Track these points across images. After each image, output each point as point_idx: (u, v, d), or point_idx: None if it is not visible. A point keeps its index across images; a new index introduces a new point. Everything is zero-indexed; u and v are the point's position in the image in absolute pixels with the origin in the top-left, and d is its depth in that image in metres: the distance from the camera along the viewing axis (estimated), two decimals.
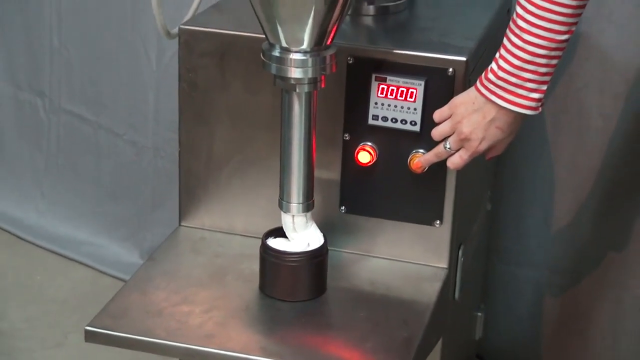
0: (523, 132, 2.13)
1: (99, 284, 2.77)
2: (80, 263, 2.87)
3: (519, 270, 2.33)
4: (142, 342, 1.52)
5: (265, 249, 1.61)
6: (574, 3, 1.39)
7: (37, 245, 2.94)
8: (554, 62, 1.45)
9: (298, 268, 1.60)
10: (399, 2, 1.84)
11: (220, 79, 1.71)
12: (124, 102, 2.74)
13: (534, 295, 2.34)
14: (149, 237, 2.79)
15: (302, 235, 1.62)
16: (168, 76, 2.62)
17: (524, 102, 1.47)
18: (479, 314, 2.21)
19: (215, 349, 1.49)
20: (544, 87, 1.47)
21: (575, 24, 1.42)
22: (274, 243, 1.62)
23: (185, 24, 1.73)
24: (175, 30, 1.74)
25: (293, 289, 1.61)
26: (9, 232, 3.00)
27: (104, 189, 2.86)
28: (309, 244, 1.61)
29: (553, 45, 1.42)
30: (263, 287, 1.63)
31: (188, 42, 1.71)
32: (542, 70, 1.44)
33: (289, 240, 1.62)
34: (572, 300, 2.30)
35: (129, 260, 2.81)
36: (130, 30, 2.65)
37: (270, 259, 1.60)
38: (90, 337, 1.54)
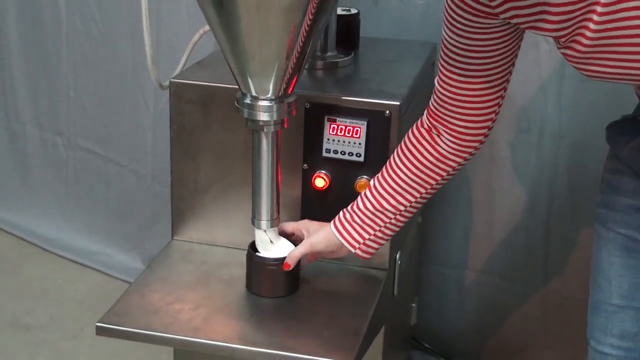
0: None
1: (110, 286, 2.73)
2: (94, 269, 2.84)
3: (444, 270, 2.33)
4: (142, 335, 1.51)
5: (252, 257, 1.60)
6: None
7: (58, 255, 2.91)
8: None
9: (278, 271, 1.58)
10: (345, 58, 1.84)
11: (203, 121, 1.69)
12: (128, 140, 2.72)
13: (457, 289, 2.33)
14: (149, 248, 2.76)
15: (277, 246, 1.60)
16: (163, 119, 2.59)
17: None
18: (414, 305, 2.21)
19: (202, 339, 1.48)
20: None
21: None
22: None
23: (174, 77, 1.72)
24: (166, 83, 1.72)
25: (274, 287, 1.60)
26: (36, 245, 2.97)
27: (112, 209, 2.84)
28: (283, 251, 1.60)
29: None
30: (249, 286, 1.62)
31: (177, 92, 1.70)
32: None
33: (269, 250, 1.61)
34: (487, 293, 2.30)
35: (134, 267, 2.78)
36: (132, 82, 2.63)
37: (255, 264, 1.60)
38: (100, 331, 1.53)
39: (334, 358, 1.43)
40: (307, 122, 1.64)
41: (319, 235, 1.57)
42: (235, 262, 1.71)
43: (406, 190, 1.49)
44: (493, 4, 1.24)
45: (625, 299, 1.44)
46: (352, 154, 1.62)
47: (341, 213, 1.55)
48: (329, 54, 1.83)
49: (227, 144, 1.70)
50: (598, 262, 1.48)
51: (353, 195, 1.61)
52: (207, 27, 1.88)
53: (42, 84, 2.87)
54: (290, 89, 1.50)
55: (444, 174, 1.47)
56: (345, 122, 1.62)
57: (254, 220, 1.59)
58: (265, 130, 1.51)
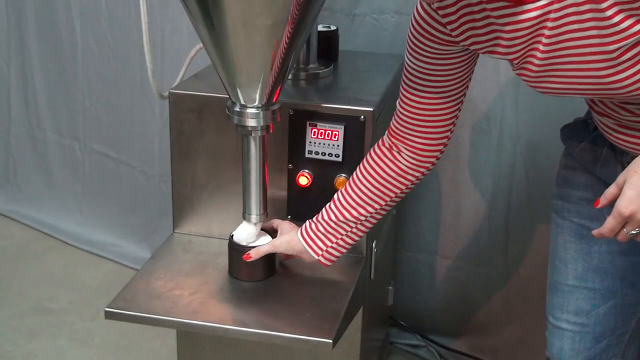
0: None
1: (123, 274, 2.71)
2: (108, 259, 2.82)
3: (417, 255, 2.31)
4: (146, 318, 1.50)
5: (232, 245, 1.58)
6: None
7: (77, 247, 2.89)
8: None
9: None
10: (326, 69, 1.82)
11: (199, 127, 1.68)
12: (137, 144, 2.70)
13: (428, 273, 2.32)
14: (157, 239, 2.74)
15: (258, 238, 1.59)
16: (167, 126, 2.58)
17: None
18: (390, 287, 2.19)
19: (199, 321, 1.46)
20: None
21: None
22: (238, 237, 1.59)
23: (173, 89, 1.70)
24: (166, 93, 1.70)
25: (252, 272, 1.58)
26: (56, 239, 2.95)
27: (124, 205, 2.82)
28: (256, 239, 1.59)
29: None
30: (231, 272, 1.60)
31: (176, 101, 1.68)
32: None
33: (250, 241, 1.59)
34: (455, 275, 2.29)
35: (144, 256, 2.75)
36: (140, 93, 2.62)
37: (235, 251, 1.58)
38: (109, 315, 1.51)
39: (316, 336, 1.42)
40: (291, 126, 1.62)
41: (283, 239, 1.55)
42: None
43: (367, 203, 1.46)
44: (454, 33, 1.23)
45: (579, 280, 1.43)
46: (332, 155, 1.60)
47: (307, 222, 1.53)
48: (311, 65, 1.81)
49: (220, 147, 1.68)
50: (555, 248, 1.47)
51: (333, 191, 1.60)
52: (201, 44, 1.87)
53: (60, 95, 2.86)
54: (275, 97, 1.48)
55: (402, 187, 1.45)
56: (325, 126, 1.60)
57: (245, 214, 1.57)
58: (253, 134, 1.49)
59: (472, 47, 1.25)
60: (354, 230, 1.49)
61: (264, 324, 1.46)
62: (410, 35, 1.31)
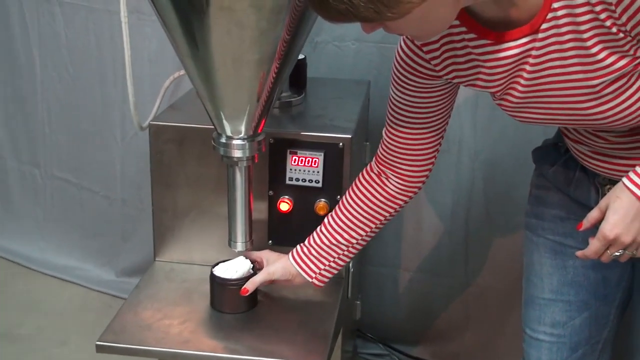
0: None
1: (89, 297, 2.62)
2: (73, 283, 2.71)
3: (381, 270, 2.29)
4: (138, 350, 1.43)
5: (213, 277, 1.52)
6: None
7: (41, 273, 2.76)
8: None
9: (235, 290, 1.50)
10: (298, 97, 1.79)
11: (179, 157, 1.62)
12: (99, 169, 2.60)
13: (392, 285, 2.31)
14: (121, 262, 2.67)
15: (240, 269, 1.53)
16: (129, 150, 2.52)
17: None
18: (358, 302, 2.17)
19: (192, 351, 1.41)
20: None
21: None
22: (219, 272, 1.52)
23: (153, 120, 1.64)
24: (146, 125, 1.65)
25: (234, 304, 1.52)
26: (20, 265, 2.81)
27: (87, 230, 2.71)
28: (237, 272, 1.52)
29: None
30: (214, 305, 1.54)
31: (156, 132, 1.62)
32: None
33: (227, 270, 1.52)
34: (418, 287, 2.29)
35: (108, 279, 2.68)
36: (101, 120, 2.53)
37: (216, 284, 1.52)
38: (100, 349, 1.43)
39: (311, 358, 1.39)
40: (272, 154, 1.59)
41: (277, 265, 1.50)
42: None
43: (357, 226, 1.43)
44: (437, 68, 1.22)
45: (555, 294, 1.44)
46: (312, 181, 1.58)
47: (298, 247, 1.49)
48: (283, 94, 1.77)
49: (200, 175, 1.63)
50: (530, 263, 1.47)
51: (314, 216, 1.58)
52: (176, 74, 1.82)
53: (20, 123, 2.73)
54: (260, 128, 1.45)
55: (391, 210, 1.43)
56: (305, 154, 1.57)
57: (231, 242, 1.53)
58: (239, 164, 1.45)
59: (454, 81, 1.25)
60: (346, 253, 1.46)
61: (257, 351, 1.41)
62: (394, 70, 1.29)
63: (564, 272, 1.43)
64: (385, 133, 1.37)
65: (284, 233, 1.63)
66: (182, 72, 1.73)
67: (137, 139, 2.46)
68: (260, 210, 1.62)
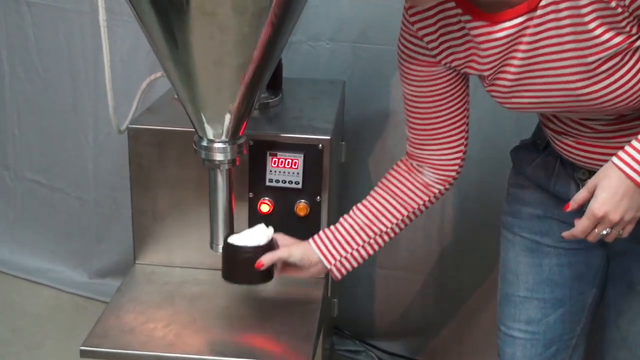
0: (356, 185, 2.15)
1: (61, 299, 2.61)
2: (46, 285, 2.68)
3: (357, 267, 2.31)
4: (123, 354, 1.42)
5: (228, 246, 1.41)
6: None
7: (13, 276, 2.73)
8: None
9: (249, 258, 1.39)
10: (275, 99, 1.80)
11: (158, 160, 1.62)
12: (71, 170, 2.59)
13: (368, 283, 2.33)
14: (94, 264, 2.66)
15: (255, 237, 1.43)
16: (101, 151, 2.50)
17: None
18: (335, 299, 2.18)
19: (177, 354, 1.41)
20: None
21: None
22: (234, 240, 1.41)
23: (131, 123, 1.64)
24: (124, 128, 1.64)
25: (248, 274, 1.41)
26: None
27: (59, 231, 2.69)
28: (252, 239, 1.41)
29: None
30: (230, 277, 1.42)
31: (135, 136, 1.62)
32: None
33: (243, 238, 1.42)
34: (393, 284, 2.31)
35: (81, 281, 2.67)
36: (73, 119, 2.51)
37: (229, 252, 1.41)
38: (84, 354, 1.42)
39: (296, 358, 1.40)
40: (252, 156, 1.59)
41: (299, 248, 1.42)
42: (193, 280, 1.65)
43: (388, 211, 1.41)
44: (434, 52, 1.26)
45: (530, 292, 1.46)
46: (292, 182, 1.59)
47: (321, 232, 1.44)
48: (261, 95, 1.78)
49: (180, 178, 1.63)
50: (506, 261, 1.50)
51: (294, 217, 1.59)
52: (153, 76, 1.82)
53: None
54: (241, 131, 1.45)
55: (425, 198, 1.42)
56: (285, 155, 1.58)
57: (212, 244, 1.53)
58: (220, 168, 1.46)
59: (453, 64, 1.26)
60: (370, 242, 1.42)
61: (242, 352, 1.42)
62: (399, 64, 1.32)
63: (540, 270, 1.45)
64: (408, 130, 1.38)
65: None
66: (159, 74, 1.72)
67: (109, 139, 2.44)
68: (241, 212, 1.62)
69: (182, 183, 1.64)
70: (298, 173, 1.58)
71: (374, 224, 1.42)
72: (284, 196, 1.60)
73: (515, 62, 1.17)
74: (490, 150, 2.02)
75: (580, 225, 1.13)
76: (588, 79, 1.13)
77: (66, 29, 2.41)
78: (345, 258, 1.43)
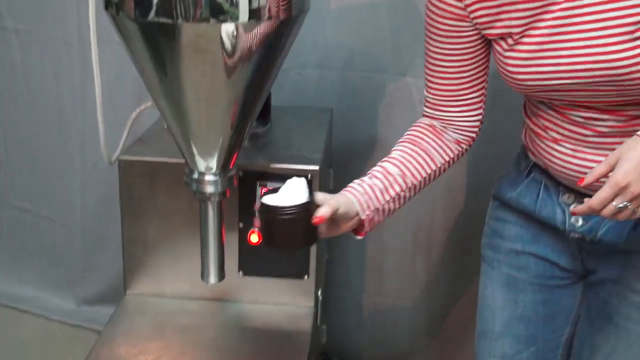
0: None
1: (48, 326, 2.60)
2: (33, 313, 2.67)
3: (345, 293, 2.33)
4: None
5: (265, 208, 1.25)
6: None
7: (1, 304, 2.72)
8: None
9: (290, 220, 1.24)
10: (264, 128, 1.82)
11: (149, 191, 1.63)
12: (58, 198, 2.59)
13: (355, 309, 2.34)
14: (80, 291, 2.65)
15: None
16: (89, 181, 2.50)
17: None
18: (324, 326, 2.19)
19: None
20: None
21: None
22: (269, 200, 1.25)
23: (122, 154, 1.65)
24: (114, 159, 1.65)
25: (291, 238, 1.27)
26: None
27: (46, 259, 2.69)
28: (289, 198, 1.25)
29: None
30: (269, 243, 1.28)
31: (126, 167, 1.62)
32: None
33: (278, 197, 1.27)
34: (380, 309, 2.33)
35: (68, 308, 2.66)
36: (59, 147, 2.52)
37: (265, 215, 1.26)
38: None
39: None
40: (241, 187, 1.60)
41: (340, 198, 1.29)
42: (183, 310, 1.66)
43: (421, 165, 1.36)
44: (463, 4, 1.24)
45: (505, 328, 1.48)
46: None
47: (353, 183, 1.33)
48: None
49: (171, 209, 1.64)
50: (484, 296, 1.51)
51: None
52: (142, 106, 1.82)
53: None
54: (232, 164, 1.46)
55: (453, 154, 1.40)
56: (275, 185, 1.57)
57: (204, 276, 1.53)
58: (211, 200, 1.47)
59: (481, 20, 1.24)
60: (401, 195, 1.34)
61: None
62: (427, 19, 1.31)
63: (515, 306, 1.46)
64: (426, 90, 1.37)
65: (255, 264, 1.65)
66: (149, 104, 1.73)
67: (96, 168, 2.45)
68: (231, 242, 1.63)
69: (173, 213, 1.64)
70: None
71: (407, 177, 1.34)
72: None
73: (550, 16, 1.15)
74: (478, 181, 2.05)
75: (601, 193, 1.06)
76: (626, 41, 1.09)
77: (53, 56, 2.42)
78: (377, 210, 1.32)
